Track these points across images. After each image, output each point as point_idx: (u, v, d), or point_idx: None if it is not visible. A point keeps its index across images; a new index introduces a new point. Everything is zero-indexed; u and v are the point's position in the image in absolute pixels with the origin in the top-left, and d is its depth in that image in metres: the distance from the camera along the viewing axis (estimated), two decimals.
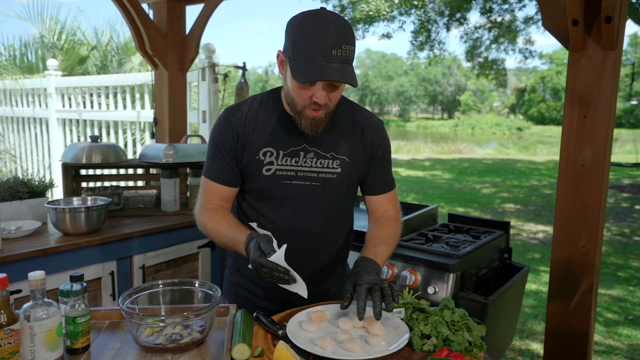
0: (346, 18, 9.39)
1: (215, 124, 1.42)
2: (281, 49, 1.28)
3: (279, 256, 1.16)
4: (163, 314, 1.29)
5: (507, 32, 10.14)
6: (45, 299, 1.08)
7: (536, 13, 9.88)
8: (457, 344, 1.14)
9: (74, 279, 1.15)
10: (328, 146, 1.37)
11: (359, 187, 1.51)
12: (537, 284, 4.48)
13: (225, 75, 3.81)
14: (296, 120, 1.31)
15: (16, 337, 1.01)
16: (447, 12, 9.65)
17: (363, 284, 1.21)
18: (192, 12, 3.40)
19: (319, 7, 1.23)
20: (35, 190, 2.41)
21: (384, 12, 8.53)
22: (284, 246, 1.18)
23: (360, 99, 50.62)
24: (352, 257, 1.65)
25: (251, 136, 1.36)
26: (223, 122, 1.38)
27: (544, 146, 20.70)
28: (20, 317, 1.04)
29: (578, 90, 1.96)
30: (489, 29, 10.20)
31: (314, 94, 1.22)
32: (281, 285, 1.19)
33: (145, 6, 3.20)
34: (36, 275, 1.07)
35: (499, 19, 9.76)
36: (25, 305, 1.07)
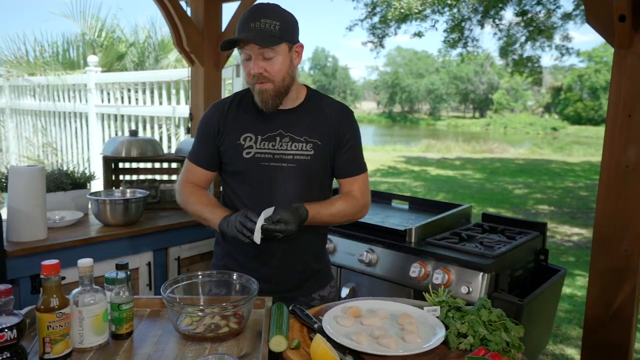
0: (378, 17, 9.17)
1: (203, 114, 1.61)
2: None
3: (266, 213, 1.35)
4: (202, 304, 1.32)
5: (543, 30, 9.84)
6: (93, 285, 1.13)
7: (574, 9, 9.55)
8: (495, 344, 1.13)
9: (119, 267, 1.20)
10: (301, 131, 1.51)
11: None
12: (572, 287, 4.36)
13: None
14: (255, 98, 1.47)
15: (67, 321, 1.05)
16: (480, 9, 9.45)
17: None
18: (227, 10, 3.45)
19: None
20: (77, 182, 2.50)
21: (416, 11, 8.42)
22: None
23: (390, 96, 50.11)
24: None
25: (232, 124, 1.53)
26: (208, 112, 1.59)
27: (580, 147, 20.03)
28: (70, 301, 1.09)
29: (623, 89, 1.89)
30: (525, 26, 9.94)
31: (252, 66, 1.40)
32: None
33: (183, 4, 3.26)
34: (85, 262, 1.12)
35: (535, 17, 9.50)
36: (75, 291, 1.12)
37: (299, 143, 1.50)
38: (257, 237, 1.33)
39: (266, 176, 1.50)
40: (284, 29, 1.39)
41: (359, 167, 1.60)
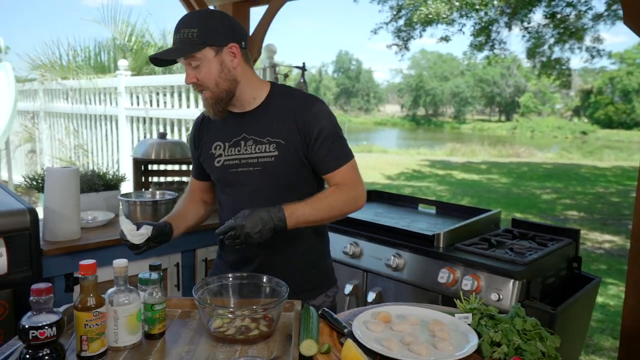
0: (403, 20, 9.08)
1: None
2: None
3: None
4: (232, 306, 1.33)
5: (573, 32, 9.60)
6: (128, 285, 1.15)
7: (606, 10, 9.28)
8: (530, 354, 1.10)
9: (152, 268, 1.22)
10: (264, 132, 1.47)
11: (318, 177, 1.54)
12: (605, 297, 4.23)
13: (286, 76, 3.86)
14: None
15: (103, 319, 1.08)
16: (508, 11, 9.29)
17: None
18: (255, 14, 3.48)
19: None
20: (109, 183, 2.56)
21: (444, 16, 8.34)
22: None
23: (414, 99, 49.73)
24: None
25: (206, 135, 1.57)
26: (192, 128, 1.66)
27: (611, 151, 19.42)
28: (105, 301, 1.11)
29: None
30: (554, 27, 9.71)
31: None
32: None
33: (211, 8, 3.31)
34: (120, 262, 1.14)
35: (564, 18, 9.28)
36: (110, 291, 1.14)
37: (262, 145, 1.46)
38: (132, 239, 1.39)
39: (236, 182, 1.50)
40: (204, 34, 1.34)
41: (340, 157, 1.47)
